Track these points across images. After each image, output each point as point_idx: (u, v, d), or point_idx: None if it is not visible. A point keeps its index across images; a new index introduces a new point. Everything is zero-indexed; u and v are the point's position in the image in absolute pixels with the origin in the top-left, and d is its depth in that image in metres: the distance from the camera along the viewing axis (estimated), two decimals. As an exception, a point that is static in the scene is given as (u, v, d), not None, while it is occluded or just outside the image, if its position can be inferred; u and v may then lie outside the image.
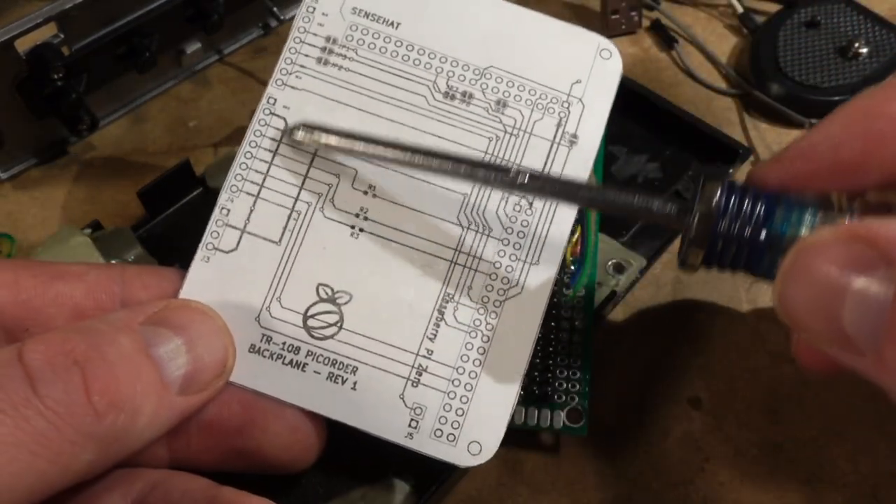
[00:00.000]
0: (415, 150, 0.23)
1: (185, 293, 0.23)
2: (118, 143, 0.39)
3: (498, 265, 0.24)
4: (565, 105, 0.25)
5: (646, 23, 0.43)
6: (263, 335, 0.23)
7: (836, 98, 0.39)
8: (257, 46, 0.42)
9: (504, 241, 0.24)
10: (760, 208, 0.21)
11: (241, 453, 0.22)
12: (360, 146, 0.23)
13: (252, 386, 0.22)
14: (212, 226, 0.23)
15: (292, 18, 0.43)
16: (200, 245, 0.23)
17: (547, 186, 0.22)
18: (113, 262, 0.24)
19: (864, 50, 0.39)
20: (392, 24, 0.25)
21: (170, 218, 0.35)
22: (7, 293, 0.21)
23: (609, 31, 0.43)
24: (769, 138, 0.39)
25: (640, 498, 0.30)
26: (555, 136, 0.25)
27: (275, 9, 0.41)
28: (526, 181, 0.22)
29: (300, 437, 0.23)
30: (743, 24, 0.43)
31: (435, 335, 0.23)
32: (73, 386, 0.18)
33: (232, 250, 0.23)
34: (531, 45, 0.25)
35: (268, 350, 0.23)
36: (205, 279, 0.23)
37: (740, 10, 0.43)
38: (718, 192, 0.21)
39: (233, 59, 0.42)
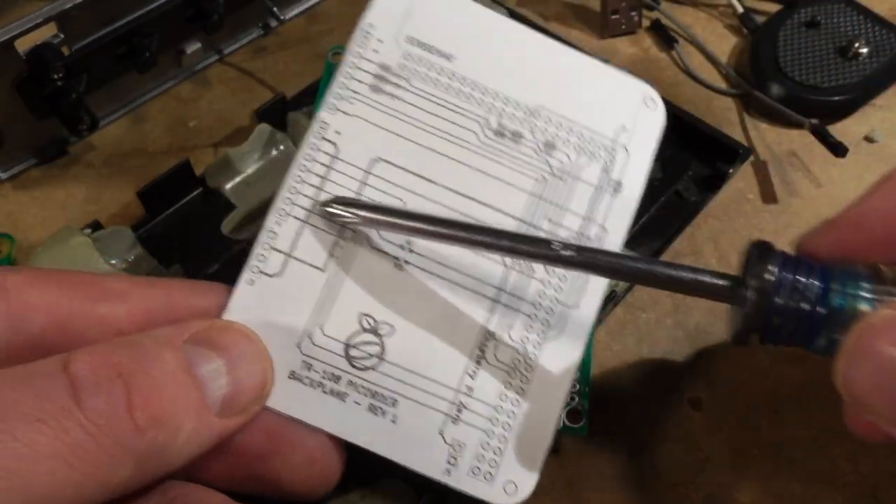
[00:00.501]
0: (452, 225, 0.22)
1: (228, 315, 0.22)
2: (118, 143, 0.39)
3: (538, 306, 0.24)
4: (610, 151, 0.25)
5: (646, 23, 0.43)
6: (304, 362, 0.22)
7: (836, 98, 0.39)
8: (257, 46, 0.42)
9: (545, 283, 0.24)
10: (816, 282, 0.21)
11: (259, 479, 0.22)
12: (396, 221, 0.22)
13: (290, 413, 0.22)
14: (258, 248, 0.23)
15: (292, 18, 0.43)
16: (245, 267, 0.23)
17: (591, 261, 0.22)
18: (159, 277, 0.23)
19: (865, 50, 0.39)
20: (446, 56, 0.25)
21: (170, 218, 0.35)
22: (49, 317, 0.20)
23: (609, 31, 0.43)
24: (769, 138, 0.39)
25: (640, 498, 0.30)
26: (599, 182, 0.25)
27: (275, 9, 0.41)
28: (570, 255, 0.21)
29: (320, 469, 0.22)
30: (743, 24, 0.43)
31: (475, 373, 0.23)
32: (115, 399, 0.18)
33: (276, 274, 0.23)
34: (580, 88, 0.25)
35: (308, 377, 0.22)
36: (248, 302, 0.23)
37: (740, 10, 0.43)
38: (773, 266, 0.21)
39: (233, 59, 0.42)
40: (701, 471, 0.30)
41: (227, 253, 0.34)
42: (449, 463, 0.22)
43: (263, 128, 0.36)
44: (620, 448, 0.30)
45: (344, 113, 0.24)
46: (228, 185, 0.35)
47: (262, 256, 0.23)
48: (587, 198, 0.24)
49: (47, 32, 0.34)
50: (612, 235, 0.24)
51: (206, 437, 0.20)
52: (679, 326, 0.33)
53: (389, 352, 0.23)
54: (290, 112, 0.37)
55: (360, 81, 0.24)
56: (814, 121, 0.37)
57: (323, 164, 0.24)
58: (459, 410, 0.23)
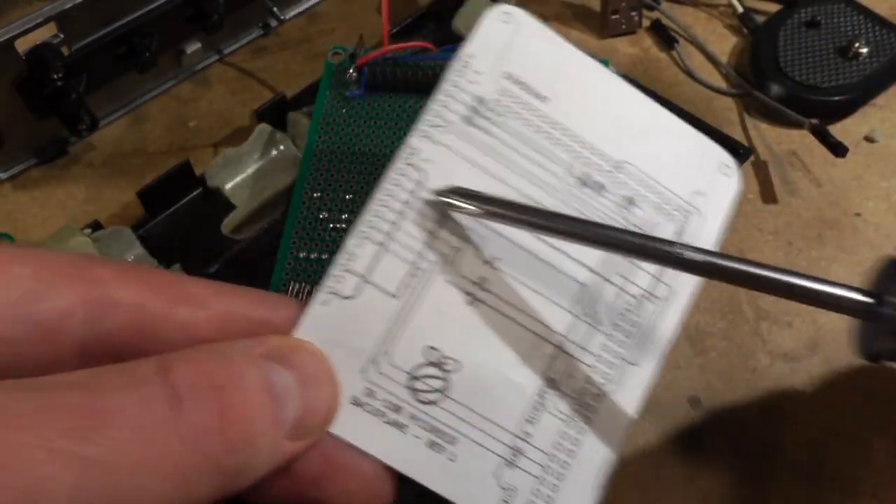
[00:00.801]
0: (575, 222, 0.22)
1: (299, 332, 0.22)
2: (118, 143, 0.39)
3: (600, 359, 0.24)
4: (685, 213, 0.25)
5: (646, 23, 0.43)
6: (367, 389, 0.22)
7: (836, 98, 0.39)
8: (257, 46, 0.42)
9: (610, 338, 0.24)
10: None
11: (309, 502, 0.21)
12: (516, 214, 0.22)
13: (350, 439, 0.22)
14: (335, 269, 0.23)
15: (292, 18, 0.43)
16: (321, 286, 0.22)
17: (718, 266, 0.21)
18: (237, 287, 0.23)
19: (865, 50, 0.39)
20: (541, 97, 0.24)
21: (170, 218, 0.35)
22: (130, 314, 0.20)
23: (609, 31, 0.43)
24: (769, 138, 0.39)
25: (640, 498, 0.30)
26: None
27: (275, 9, 0.41)
28: (696, 258, 0.21)
29: (372, 498, 0.22)
30: (743, 24, 0.43)
31: (534, 419, 0.23)
32: (211, 413, 0.18)
33: (350, 297, 0.23)
34: (665, 148, 0.25)
35: (370, 405, 0.22)
36: (320, 322, 0.22)
37: (740, 10, 0.43)
38: None
39: (233, 59, 0.42)
40: (701, 470, 0.30)
41: (227, 253, 0.34)
42: None
43: (263, 128, 0.36)
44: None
45: (434, 141, 0.24)
46: (228, 185, 0.35)
47: (338, 278, 0.23)
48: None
49: (47, 32, 0.34)
50: (679, 297, 0.24)
51: (275, 459, 0.19)
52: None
53: (453, 388, 0.22)
54: (289, 112, 0.37)
55: (453, 111, 0.24)
56: (814, 121, 0.37)
57: (408, 191, 0.23)
58: (515, 455, 0.23)
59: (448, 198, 0.23)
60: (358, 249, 0.23)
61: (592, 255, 0.24)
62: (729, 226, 0.25)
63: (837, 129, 0.38)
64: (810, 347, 0.33)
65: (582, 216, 0.24)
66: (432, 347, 0.23)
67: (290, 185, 0.34)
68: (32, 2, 0.38)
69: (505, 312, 0.23)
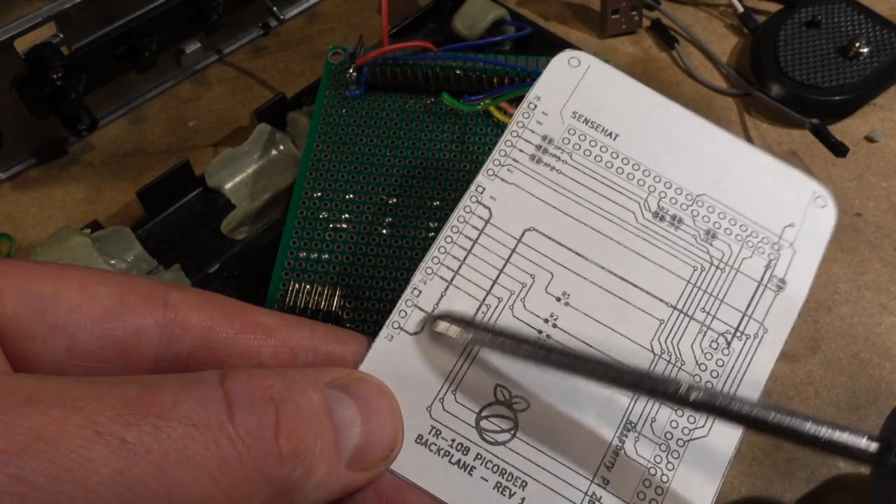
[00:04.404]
0: (566, 356, 0.21)
1: (365, 366, 0.22)
2: (117, 142, 0.39)
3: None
4: (776, 247, 0.24)
5: (646, 22, 0.43)
6: (433, 427, 0.22)
7: (837, 98, 0.39)
8: (257, 46, 0.42)
9: (695, 377, 0.23)
10: None
11: None
12: (506, 345, 0.22)
13: (413, 479, 0.21)
14: (401, 304, 0.23)
15: (292, 18, 0.43)
16: (388, 322, 0.22)
17: (725, 409, 0.20)
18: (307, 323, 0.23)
19: (865, 50, 0.39)
20: (610, 134, 0.24)
21: (169, 218, 0.35)
22: (201, 339, 0.21)
23: (609, 30, 0.43)
24: (770, 138, 0.39)
25: (640, 498, 0.30)
26: (762, 278, 0.24)
27: (275, 9, 0.41)
28: (697, 397, 0.20)
29: None
30: (743, 24, 0.43)
31: (613, 464, 0.22)
32: (266, 422, 0.18)
33: (416, 333, 0.22)
34: (746, 180, 0.24)
35: (435, 444, 0.22)
36: (385, 357, 0.22)
37: (741, 9, 0.43)
38: None
39: (233, 59, 0.42)
40: (701, 471, 0.30)
41: (227, 253, 0.34)
42: None
43: (263, 128, 0.36)
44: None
45: (502, 179, 0.24)
46: (228, 185, 0.35)
47: (405, 313, 0.23)
48: (748, 293, 0.23)
49: (47, 32, 0.34)
50: (773, 334, 0.23)
51: (332, 486, 0.19)
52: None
53: (523, 428, 0.22)
54: (289, 112, 0.37)
55: (521, 151, 0.24)
56: (814, 120, 0.37)
57: (475, 228, 0.23)
58: (593, 502, 0.21)
59: (436, 325, 0.22)
60: (424, 285, 0.23)
61: (672, 290, 0.23)
62: (824, 258, 0.24)
63: (837, 129, 0.38)
64: (810, 347, 0.33)
65: (658, 250, 0.24)
66: (502, 386, 0.22)
67: (290, 185, 0.34)
68: (32, 2, 0.38)
69: (578, 350, 0.22)
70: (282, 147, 0.36)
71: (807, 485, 0.30)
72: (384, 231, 0.31)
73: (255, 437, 0.17)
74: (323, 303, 0.30)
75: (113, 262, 0.32)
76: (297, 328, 0.22)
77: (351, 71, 0.34)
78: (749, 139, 0.39)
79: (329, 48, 0.35)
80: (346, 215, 0.32)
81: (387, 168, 0.33)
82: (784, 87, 0.39)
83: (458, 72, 0.34)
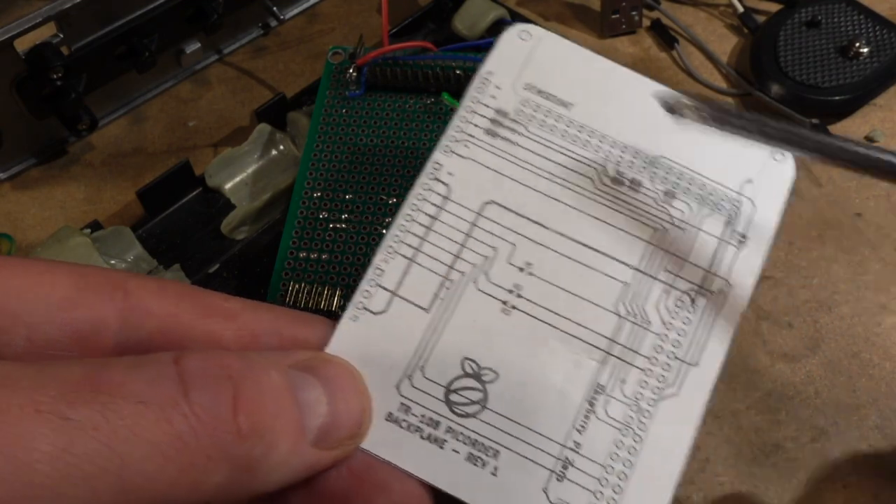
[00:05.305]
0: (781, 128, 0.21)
1: (330, 349, 0.22)
2: (117, 142, 0.39)
3: (654, 361, 0.22)
4: (735, 203, 0.24)
5: (646, 22, 0.43)
6: (402, 404, 0.22)
7: (837, 98, 0.39)
8: (257, 46, 0.42)
9: (663, 338, 0.23)
10: None
11: None
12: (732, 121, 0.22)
13: (384, 456, 0.21)
14: (364, 285, 0.23)
15: (292, 18, 0.43)
16: (350, 303, 0.23)
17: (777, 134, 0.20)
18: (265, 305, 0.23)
19: (865, 50, 0.39)
20: (564, 104, 0.25)
21: (169, 218, 0.35)
22: (161, 324, 0.21)
23: (609, 30, 0.43)
24: (769, 138, 0.39)
25: (640, 498, 0.30)
26: (723, 234, 0.24)
27: (275, 9, 0.41)
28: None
29: None
30: (743, 24, 0.43)
31: (584, 428, 0.22)
32: (222, 398, 0.18)
33: (381, 312, 0.23)
34: (703, 139, 0.24)
35: (405, 420, 0.22)
36: (351, 338, 0.22)
37: (741, 9, 0.43)
38: None
39: (233, 58, 0.42)
40: (701, 471, 0.30)
41: (227, 253, 0.34)
42: None
43: (263, 128, 0.36)
44: (620, 448, 0.30)
45: (458, 155, 0.24)
46: (228, 185, 0.35)
47: (368, 293, 0.23)
48: (710, 250, 0.24)
49: (47, 32, 0.34)
50: (738, 288, 0.23)
51: (297, 464, 0.19)
52: (679, 326, 0.33)
53: (492, 400, 0.22)
54: (289, 112, 0.37)
55: (475, 125, 0.24)
56: (814, 120, 0.37)
57: (434, 205, 0.24)
58: (565, 467, 0.22)
59: (680, 105, 0.22)
60: (386, 264, 0.23)
61: (633, 253, 0.23)
62: (786, 211, 0.24)
63: (838, 129, 0.38)
64: (810, 347, 0.33)
65: (618, 214, 0.24)
66: (469, 359, 0.22)
67: (290, 185, 0.34)
68: (32, 2, 0.38)
69: (544, 319, 0.23)
70: (282, 147, 0.36)
71: (806, 485, 0.30)
72: (384, 231, 0.31)
73: (211, 413, 0.17)
74: (323, 303, 0.30)
75: (113, 262, 0.32)
76: (259, 312, 0.22)
77: (351, 71, 0.34)
78: (749, 139, 0.39)
79: (329, 48, 0.35)
80: (346, 215, 0.32)
81: (387, 168, 0.33)
82: (784, 87, 0.39)
83: (458, 72, 0.34)
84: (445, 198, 0.24)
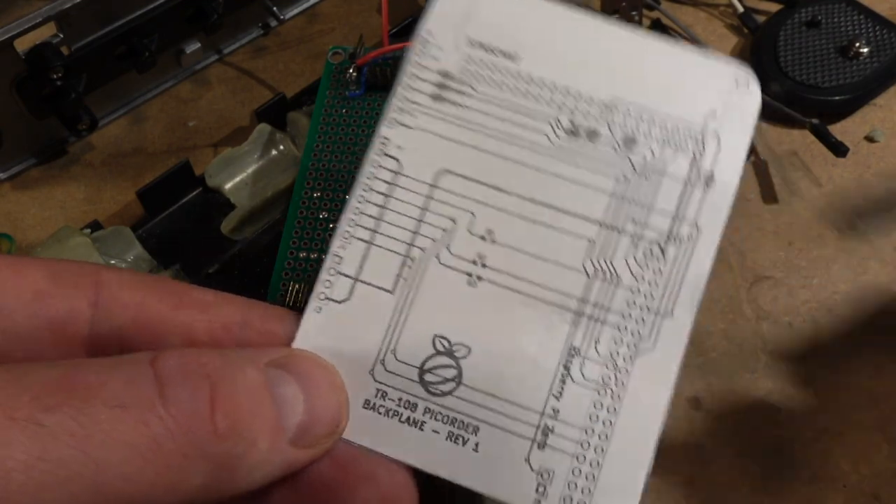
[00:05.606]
0: None
1: (297, 343, 0.22)
2: (117, 142, 0.39)
3: (627, 317, 0.22)
4: (699, 141, 0.23)
5: (646, 22, 0.43)
6: (378, 390, 0.22)
7: (837, 98, 0.39)
8: (257, 46, 0.42)
9: (634, 291, 0.22)
10: None
11: None
12: None
13: (365, 443, 0.21)
14: (324, 274, 0.22)
15: (292, 18, 0.43)
16: (312, 295, 0.22)
17: None
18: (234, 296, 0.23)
19: (865, 50, 0.39)
20: (510, 56, 0.23)
21: (169, 218, 0.35)
22: (134, 315, 0.21)
23: (609, 30, 0.43)
24: (770, 138, 0.39)
25: (639, 498, 0.29)
26: (689, 176, 0.23)
27: (275, 9, 0.41)
28: None
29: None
30: (743, 24, 0.43)
31: (561, 393, 0.22)
32: (200, 397, 0.18)
33: (345, 300, 0.22)
34: (659, 76, 0.23)
35: (383, 406, 0.21)
36: (317, 330, 0.22)
37: (741, 9, 0.43)
38: None
39: (233, 59, 0.42)
40: (701, 471, 0.30)
41: (227, 253, 0.34)
42: (538, 492, 0.21)
43: (263, 128, 0.36)
44: (620, 448, 0.30)
45: (405, 126, 0.23)
46: (228, 185, 0.35)
47: (329, 282, 0.22)
48: (675, 195, 0.23)
49: (47, 32, 0.34)
50: (707, 233, 0.23)
51: (276, 462, 0.19)
52: (679, 326, 0.33)
53: (467, 375, 0.22)
54: (289, 112, 0.37)
55: (420, 92, 0.23)
56: (814, 120, 0.37)
57: (385, 182, 0.23)
58: (546, 435, 0.21)
59: None
60: (343, 251, 0.22)
61: (597, 208, 0.23)
62: (751, 143, 0.23)
63: (837, 129, 0.38)
64: (810, 347, 0.33)
65: (578, 168, 0.23)
66: (440, 336, 0.22)
67: (290, 185, 0.34)
68: (32, 2, 0.38)
69: (510, 286, 0.22)
70: (282, 147, 0.36)
71: (806, 485, 0.30)
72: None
73: (187, 413, 0.17)
74: (323, 303, 0.30)
75: (113, 261, 0.32)
76: (231, 305, 0.22)
77: (351, 71, 0.34)
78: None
79: (329, 48, 0.35)
80: (346, 215, 0.32)
81: (387, 168, 0.33)
82: (784, 87, 0.39)
83: (457, 72, 0.34)
84: (397, 173, 0.23)
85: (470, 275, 0.22)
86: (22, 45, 0.33)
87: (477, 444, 0.21)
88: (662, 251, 0.22)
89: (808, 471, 0.30)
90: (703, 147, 0.23)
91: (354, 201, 0.23)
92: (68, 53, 0.35)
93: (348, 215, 0.23)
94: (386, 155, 0.23)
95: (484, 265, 0.22)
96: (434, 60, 0.23)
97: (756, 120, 0.23)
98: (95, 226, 0.33)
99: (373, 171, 0.23)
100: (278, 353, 0.21)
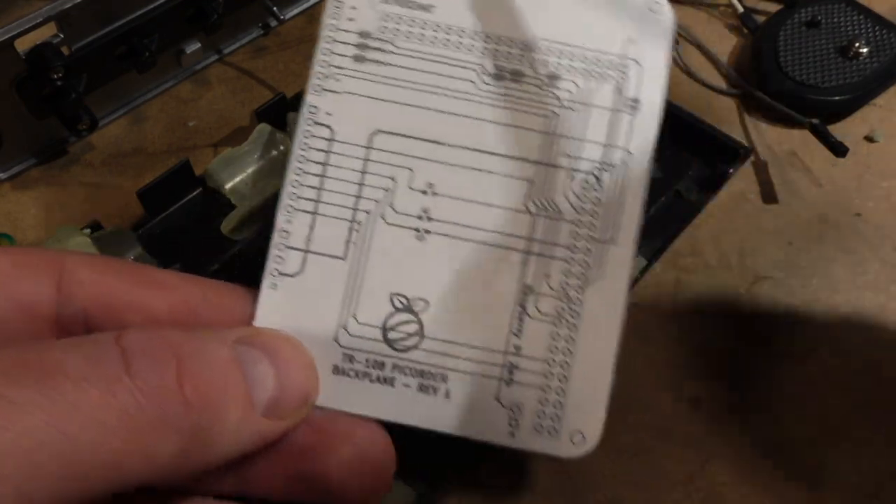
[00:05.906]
0: None
1: (258, 322, 0.22)
2: (118, 142, 0.39)
3: (574, 249, 0.23)
4: (621, 68, 0.23)
5: (646, 23, 0.43)
6: (345, 355, 0.22)
7: (837, 98, 0.39)
8: (257, 46, 0.42)
9: (577, 223, 0.23)
10: None
11: (306, 479, 0.21)
12: None
13: (340, 407, 0.22)
14: (273, 251, 0.23)
15: (292, 18, 0.43)
16: (265, 272, 0.22)
17: None
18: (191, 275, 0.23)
19: (865, 50, 0.39)
20: (425, 7, 0.24)
21: (169, 218, 0.35)
22: (97, 294, 0.21)
23: (609, 30, 0.43)
24: (769, 138, 0.39)
25: (640, 498, 0.30)
26: (614, 104, 0.23)
27: (275, 8, 0.41)
28: None
29: (371, 464, 0.22)
30: (743, 24, 0.43)
31: (520, 330, 0.22)
32: (167, 372, 0.18)
33: (298, 273, 0.23)
34: (574, 11, 0.24)
35: (352, 369, 0.22)
36: (276, 306, 0.22)
37: (741, 9, 0.43)
38: None
39: (233, 58, 0.42)
40: (701, 471, 0.30)
41: (227, 253, 0.34)
42: (511, 426, 0.22)
43: (263, 128, 0.36)
44: (621, 448, 0.30)
45: (332, 91, 0.23)
46: (228, 185, 0.35)
47: (280, 258, 0.23)
48: (604, 123, 0.23)
49: (47, 32, 0.34)
50: (638, 156, 0.23)
51: (248, 434, 0.19)
52: (679, 326, 0.33)
53: (428, 327, 0.22)
54: (289, 112, 0.37)
55: (341, 55, 0.23)
56: (814, 120, 0.37)
57: (320, 150, 0.23)
58: (511, 372, 0.22)
59: None
60: (289, 225, 0.23)
61: (531, 146, 0.23)
62: (671, 59, 0.24)
63: (837, 129, 0.38)
64: (810, 347, 0.33)
65: (507, 111, 0.23)
66: (397, 294, 0.22)
67: (290, 185, 0.34)
68: (32, 2, 0.38)
69: (458, 235, 0.23)
70: (282, 147, 0.36)
71: (807, 485, 0.30)
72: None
73: (155, 385, 0.17)
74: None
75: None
76: (191, 284, 0.22)
77: (351, 71, 0.34)
78: (749, 139, 0.39)
79: (329, 48, 0.35)
80: (346, 215, 0.32)
81: (387, 168, 0.33)
82: (784, 87, 0.39)
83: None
84: (331, 140, 0.23)
85: (417, 230, 0.23)
86: (22, 45, 0.33)
87: (448, 392, 0.22)
88: (598, 180, 0.23)
89: (808, 471, 0.30)
90: (626, 74, 0.23)
91: (292, 174, 0.23)
92: (68, 53, 0.35)
93: (288, 189, 0.23)
94: (317, 123, 0.23)
95: (429, 218, 0.23)
96: (350, 21, 0.24)
97: (672, 40, 0.24)
98: (95, 226, 0.33)
99: (306, 142, 0.23)
100: (247, 330, 0.21)
